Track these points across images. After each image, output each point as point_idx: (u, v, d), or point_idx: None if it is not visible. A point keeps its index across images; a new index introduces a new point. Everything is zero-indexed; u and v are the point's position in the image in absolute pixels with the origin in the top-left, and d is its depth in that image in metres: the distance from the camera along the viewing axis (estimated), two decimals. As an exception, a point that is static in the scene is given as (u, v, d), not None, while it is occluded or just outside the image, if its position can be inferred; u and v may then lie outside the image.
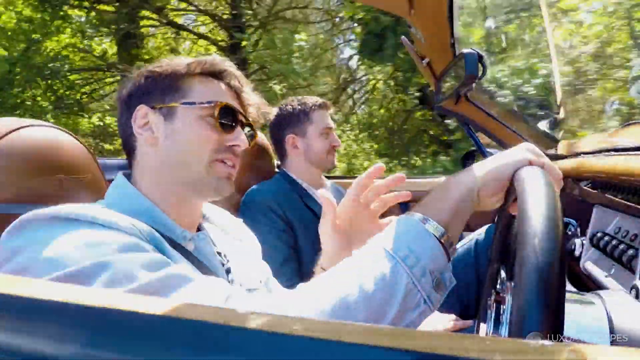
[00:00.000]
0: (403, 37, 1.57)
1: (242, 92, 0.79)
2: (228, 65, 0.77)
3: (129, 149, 0.76)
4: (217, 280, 0.59)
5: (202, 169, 0.71)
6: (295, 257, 1.37)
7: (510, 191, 0.57)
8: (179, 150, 0.72)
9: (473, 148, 1.93)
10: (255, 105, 0.80)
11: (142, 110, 0.72)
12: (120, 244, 0.55)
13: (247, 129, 0.78)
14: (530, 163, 0.56)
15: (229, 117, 0.73)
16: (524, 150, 0.58)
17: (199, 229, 0.81)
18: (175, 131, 0.72)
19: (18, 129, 0.77)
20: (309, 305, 0.50)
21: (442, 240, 0.53)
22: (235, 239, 0.87)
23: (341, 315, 0.48)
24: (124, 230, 0.58)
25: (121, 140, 0.78)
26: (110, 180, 0.76)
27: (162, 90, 0.73)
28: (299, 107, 1.55)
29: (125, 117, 0.74)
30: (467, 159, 2.02)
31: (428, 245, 0.52)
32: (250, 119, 0.79)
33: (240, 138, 0.74)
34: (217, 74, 0.76)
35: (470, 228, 1.56)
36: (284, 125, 1.56)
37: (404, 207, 1.85)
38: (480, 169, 0.58)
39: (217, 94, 0.74)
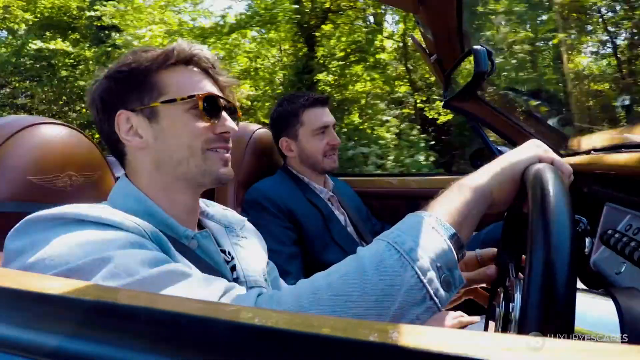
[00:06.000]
0: (411, 34, 1.56)
1: (215, 74, 0.77)
2: (196, 48, 0.74)
3: (119, 153, 0.75)
4: (215, 278, 0.59)
5: (199, 162, 0.71)
6: (301, 254, 1.35)
7: (521, 188, 0.56)
8: (172, 149, 0.70)
9: (481, 146, 1.91)
10: (229, 83, 0.79)
11: (123, 115, 0.70)
12: (123, 241, 0.55)
13: (230, 111, 0.77)
14: (540, 159, 0.56)
15: (212, 106, 0.72)
16: (533, 146, 0.58)
17: (201, 227, 0.80)
18: (164, 131, 0.70)
19: (29, 126, 0.78)
20: (306, 297, 0.49)
21: (452, 241, 0.51)
22: (240, 237, 0.86)
23: (340, 306, 0.47)
24: (127, 229, 0.58)
25: (107, 146, 0.76)
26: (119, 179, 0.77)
27: (138, 90, 0.71)
28: (288, 108, 1.49)
29: (107, 125, 0.72)
30: (476, 157, 2.00)
31: (435, 241, 0.50)
32: (229, 100, 0.77)
33: (227, 124, 0.74)
34: (187, 61, 0.74)
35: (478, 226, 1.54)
36: (277, 128, 1.52)
37: (413, 205, 1.84)
38: (491, 169, 0.57)
39: (194, 83, 0.73)
